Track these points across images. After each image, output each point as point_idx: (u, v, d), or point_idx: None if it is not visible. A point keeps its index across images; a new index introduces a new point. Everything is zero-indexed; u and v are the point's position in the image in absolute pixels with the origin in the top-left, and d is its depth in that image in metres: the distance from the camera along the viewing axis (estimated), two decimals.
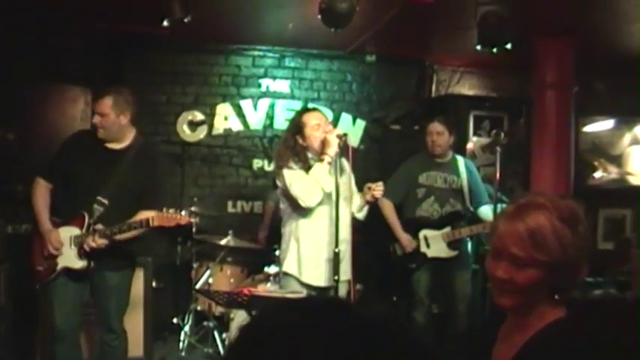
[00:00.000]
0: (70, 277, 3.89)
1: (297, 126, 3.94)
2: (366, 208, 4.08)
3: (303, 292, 3.77)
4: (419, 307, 5.15)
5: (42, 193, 3.93)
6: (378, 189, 3.92)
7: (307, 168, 3.84)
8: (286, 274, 3.99)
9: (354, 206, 4.03)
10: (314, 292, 3.85)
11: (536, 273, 1.66)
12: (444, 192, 5.16)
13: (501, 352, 1.80)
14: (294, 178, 3.79)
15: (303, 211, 3.87)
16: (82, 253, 3.81)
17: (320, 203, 3.83)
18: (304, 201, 3.77)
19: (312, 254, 3.89)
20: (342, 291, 3.88)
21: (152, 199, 3.87)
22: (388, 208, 5.12)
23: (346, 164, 3.94)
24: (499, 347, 1.83)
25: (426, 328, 5.17)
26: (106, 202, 3.81)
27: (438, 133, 5.11)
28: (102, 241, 3.75)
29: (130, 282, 4.14)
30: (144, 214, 3.79)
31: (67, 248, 3.83)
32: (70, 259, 3.83)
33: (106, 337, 4.05)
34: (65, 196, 3.92)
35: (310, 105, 6.18)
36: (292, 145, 3.89)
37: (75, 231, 3.82)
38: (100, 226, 3.76)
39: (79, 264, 3.83)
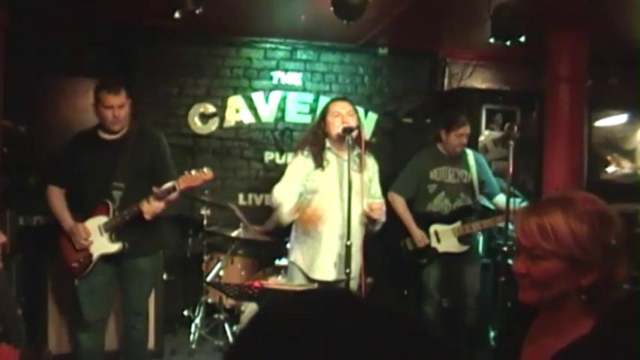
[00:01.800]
0: (104, 266, 3.96)
1: (323, 112, 4.08)
2: (377, 225, 4.10)
3: (314, 285, 3.77)
4: (429, 300, 5.16)
5: (57, 196, 4.02)
6: (375, 210, 3.96)
7: (321, 151, 3.93)
8: (293, 263, 4.04)
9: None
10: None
11: (550, 265, 1.64)
12: (455, 187, 5.15)
13: (531, 355, 1.76)
14: (285, 174, 4.00)
15: (313, 202, 3.91)
16: (115, 237, 3.91)
17: (332, 197, 3.88)
18: (275, 198, 3.96)
19: (321, 248, 3.90)
20: (352, 286, 3.87)
21: (166, 176, 3.95)
22: (400, 204, 5.12)
23: (368, 161, 4.03)
24: (528, 349, 1.79)
25: (435, 322, 5.18)
26: (122, 185, 3.90)
27: (467, 135, 5.12)
28: (157, 204, 3.83)
29: (158, 266, 4.28)
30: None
31: (98, 237, 3.91)
32: (104, 245, 3.92)
33: (134, 320, 4.16)
34: (81, 194, 3.99)
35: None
36: (316, 130, 4.04)
37: (102, 219, 3.91)
38: (155, 189, 3.81)
39: (114, 247, 3.92)
